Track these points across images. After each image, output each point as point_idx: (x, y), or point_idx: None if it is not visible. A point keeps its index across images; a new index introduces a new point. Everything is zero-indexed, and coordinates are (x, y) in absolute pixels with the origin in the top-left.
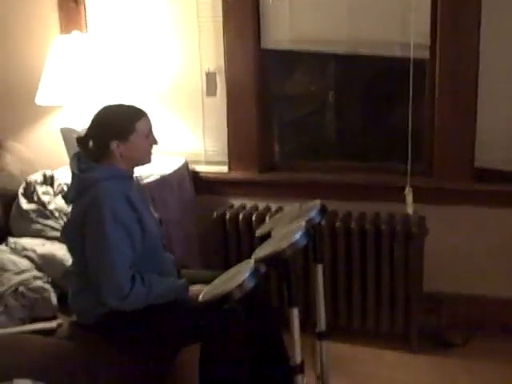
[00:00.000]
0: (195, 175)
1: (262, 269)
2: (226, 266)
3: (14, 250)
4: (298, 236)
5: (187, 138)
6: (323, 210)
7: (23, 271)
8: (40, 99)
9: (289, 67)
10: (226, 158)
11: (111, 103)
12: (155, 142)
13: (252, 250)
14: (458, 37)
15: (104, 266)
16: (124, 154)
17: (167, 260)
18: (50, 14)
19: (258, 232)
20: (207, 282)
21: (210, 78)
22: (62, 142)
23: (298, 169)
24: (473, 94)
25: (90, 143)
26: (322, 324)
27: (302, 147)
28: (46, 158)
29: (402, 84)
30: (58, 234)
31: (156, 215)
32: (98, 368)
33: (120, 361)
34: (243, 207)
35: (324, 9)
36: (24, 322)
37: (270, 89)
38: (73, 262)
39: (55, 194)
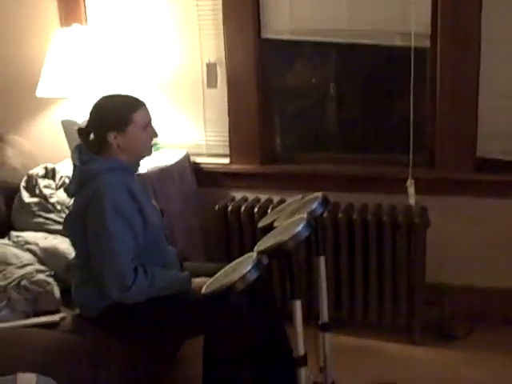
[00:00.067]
0: (196, 167)
1: (265, 261)
2: (228, 258)
3: (17, 244)
4: (300, 228)
5: (188, 129)
6: (325, 202)
7: (26, 265)
8: (41, 91)
9: (289, 59)
10: (227, 150)
11: (109, 93)
12: (155, 135)
13: (254, 242)
14: (458, 25)
15: (106, 258)
16: (122, 145)
17: (170, 252)
18: (50, 7)
19: (261, 224)
20: (210, 274)
21: (211, 68)
22: (63, 135)
23: (299, 161)
24: (474, 83)
25: (91, 135)
26: (324, 316)
27: (304, 139)
28: (48, 151)
29: (403, 74)
30: (60, 227)
31: (158, 207)
32: (101, 361)
33: (123, 353)
34: (245, 199)
35: None
36: (27, 316)
37: (271, 81)
38: (76, 254)
39: (57, 188)
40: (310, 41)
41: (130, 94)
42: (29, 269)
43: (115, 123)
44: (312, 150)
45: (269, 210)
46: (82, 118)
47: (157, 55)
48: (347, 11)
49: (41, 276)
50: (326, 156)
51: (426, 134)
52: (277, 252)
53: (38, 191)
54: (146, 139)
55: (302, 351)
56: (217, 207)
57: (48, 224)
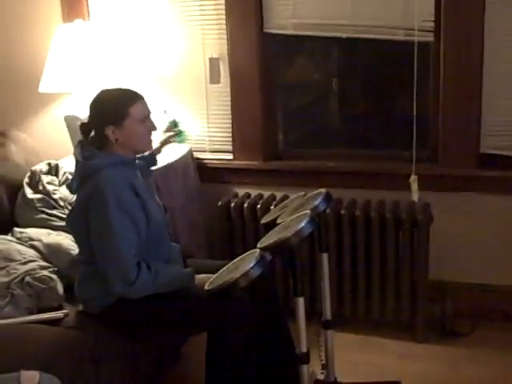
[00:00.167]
0: (199, 163)
1: (268, 257)
2: (231, 254)
3: (20, 240)
4: (303, 224)
5: (191, 125)
6: (328, 198)
7: (29, 261)
8: (44, 87)
9: (292, 54)
10: (230, 146)
11: (107, 87)
12: (153, 128)
13: (257, 238)
14: (462, 19)
15: (109, 253)
16: (120, 139)
17: (173, 249)
18: (52, 3)
19: (264, 220)
20: (213, 271)
21: (214, 64)
22: (67, 131)
23: (302, 157)
24: (478, 78)
25: (93, 131)
26: (327, 313)
27: (307, 135)
28: (51, 147)
29: (406, 70)
30: (63, 223)
31: (161, 203)
32: (103, 358)
33: (125, 350)
34: (248, 195)
35: None
36: (30, 312)
37: (274, 76)
38: (79, 251)
39: (60, 184)
40: (313, 36)
41: (128, 87)
42: (32, 265)
43: (112, 117)
44: (315, 146)
45: (272, 207)
46: (85, 113)
47: (159, 51)
48: (350, 6)
49: (44, 272)
50: (328, 152)
51: (429, 130)
52: (280, 248)
53: (41, 187)
54: (145, 133)
55: (304, 348)
56: (220, 203)
57: (51, 220)
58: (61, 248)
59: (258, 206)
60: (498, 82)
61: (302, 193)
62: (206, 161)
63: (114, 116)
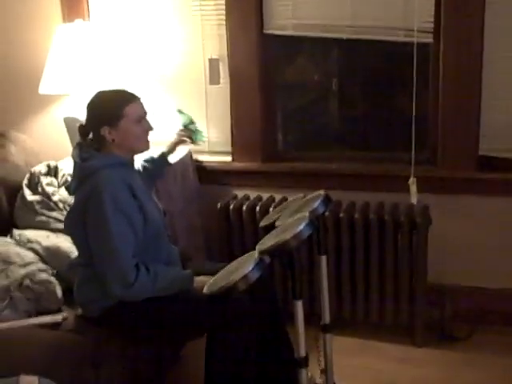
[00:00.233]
0: (199, 165)
1: (267, 260)
2: (230, 256)
3: (19, 242)
4: (301, 227)
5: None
6: (327, 201)
7: (28, 264)
8: (43, 88)
9: (292, 55)
10: (229, 148)
11: (104, 89)
12: (150, 128)
13: (256, 240)
14: (461, 20)
15: (107, 254)
16: (117, 140)
17: (172, 251)
18: (52, 3)
19: (262, 223)
20: (212, 273)
21: (213, 65)
22: (66, 132)
23: (301, 159)
24: (477, 80)
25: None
26: (326, 317)
27: (306, 136)
28: (51, 148)
29: (405, 72)
30: (62, 225)
31: (160, 206)
32: (103, 361)
33: (125, 353)
34: (247, 198)
35: None
36: (29, 315)
37: (274, 77)
38: (78, 253)
39: (59, 186)
40: (313, 36)
41: (124, 88)
42: (31, 268)
43: (108, 118)
44: (314, 148)
45: (271, 209)
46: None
47: (159, 51)
48: (350, 7)
49: (43, 275)
50: (328, 154)
51: (428, 132)
52: (279, 251)
53: (40, 189)
54: (141, 133)
55: (303, 352)
56: (219, 205)
57: (50, 222)
58: (60, 250)
59: (257, 208)
60: (498, 83)
61: (301, 195)
62: (205, 163)
63: (110, 116)
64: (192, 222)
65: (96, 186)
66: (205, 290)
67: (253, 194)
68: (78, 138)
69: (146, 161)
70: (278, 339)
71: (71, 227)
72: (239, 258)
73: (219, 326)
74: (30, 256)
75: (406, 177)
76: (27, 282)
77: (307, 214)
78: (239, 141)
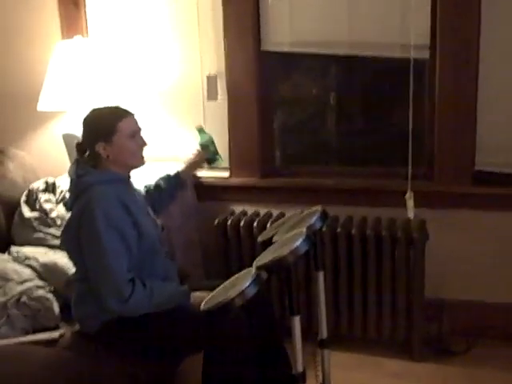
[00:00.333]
0: (196, 181)
1: (264, 276)
2: (228, 272)
3: (17, 259)
4: (298, 242)
5: (188, 143)
6: (324, 216)
7: (26, 280)
8: (42, 105)
9: (289, 71)
10: (227, 164)
11: (100, 105)
12: (144, 144)
13: (253, 256)
14: (457, 37)
15: (101, 270)
16: (111, 156)
17: (170, 267)
18: (51, 19)
19: (260, 238)
20: (210, 289)
21: (211, 81)
22: (65, 149)
23: (299, 174)
24: (473, 96)
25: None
26: (323, 332)
27: (303, 152)
28: (49, 165)
29: (403, 86)
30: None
31: (159, 221)
32: (99, 378)
33: (123, 369)
34: (244, 213)
35: (324, 11)
36: (26, 332)
37: (271, 94)
38: (75, 269)
39: (57, 202)
40: (310, 53)
41: (120, 104)
42: (28, 285)
43: (102, 134)
44: (311, 164)
45: (268, 224)
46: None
47: (157, 68)
48: (347, 23)
49: (40, 292)
50: (325, 169)
51: (424, 147)
52: (276, 267)
53: (38, 206)
54: (135, 149)
55: (300, 368)
56: (216, 221)
57: (48, 239)
58: (57, 267)
59: (255, 223)
60: (493, 99)
61: (299, 210)
62: (202, 178)
63: (104, 132)
64: (190, 238)
65: (89, 202)
66: (202, 307)
67: (250, 210)
68: (76, 155)
69: (162, 178)
70: (275, 355)
71: (67, 243)
72: (236, 275)
73: (216, 342)
74: (27, 273)
75: (402, 192)
76: (24, 298)
77: (304, 230)
78: (237, 156)
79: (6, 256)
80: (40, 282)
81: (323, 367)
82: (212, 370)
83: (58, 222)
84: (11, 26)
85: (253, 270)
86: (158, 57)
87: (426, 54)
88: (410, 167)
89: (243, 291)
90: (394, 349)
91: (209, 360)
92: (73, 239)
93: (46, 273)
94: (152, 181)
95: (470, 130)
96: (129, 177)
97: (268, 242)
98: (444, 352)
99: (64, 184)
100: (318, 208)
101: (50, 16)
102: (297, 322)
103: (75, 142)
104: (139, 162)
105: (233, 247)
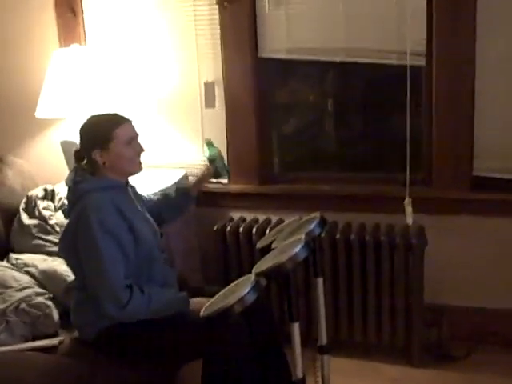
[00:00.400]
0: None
1: (263, 283)
2: (227, 279)
3: (16, 266)
4: (297, 249)
5: (186, 150)
6: (323, 223)
7: (25, 288)
8: (40, 112)
9: (287, 77)
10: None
11: (98, 112)
12: (141, 150)
13: (252, 262)
14: (453, 43)
15: (98, 276)
16: (108, 163)
17: (169, 273)
18: (49, 28)
19: (259, 245)
20: (210, 295)
21: (209, 88)
22: (63, 156)
23: (297, 180)
24: (470, 101)
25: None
26: (323, 338)
27: (302, 158)
28: (47, 172)
29: (400, 92)
30: None
31: (157, 227)
32: None
33: (121, 376)
34: (243, 220)
35: (321, 18)
36: (26, 339)
37: (269, 100)
38: (74, 276)
39: (56, 209)
40: (307, 60)
41: (117, 111)
42: (28, 292)
43: (98, 141)
44: (310, 170)
45: (267, 231)
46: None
47: (155, 75)
48: (344, 31)
49: (40, 299)
50: (323, 176)
51: (422, 153)
52: (275, 273)
53: (37, 213)
54: (132, 155)
55: (300, 374)
56: (215, 228)
57: (47, 246)
58: (56, 274)
59: (254, 230)
60: (490, 105)
61: (297, 217)
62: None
63: (100, 140)
64: (189, 244)
65: (84, 209)
66: (202, 313)
67: (249, 216)
68: (74, 162)
69: (170, 189)
70: (275, 361)
71: (64, 250)
72: (236, 281)
73: (216, 348)
74: (26, 280)
75: (401, 198)
76: (23, 305)
77: (303, 236)
78: (235, 163)
79: (5, 263)
80: (39, 289)
81: (323, 373)
82: (211, 376)
83: (57, 229)
84: (10, 35)
85: (252, 276)
86: (155, 64)
87: (422, 61)
88: (408, 173)
89: (243, 298)
90: (393, 354)
91: (208, 366)
92: (70, 246)
93: (46, 280)
94: (156, 188)
95: (468, 136)
96: (127, 183)
97: (267, 249)
98: (443, 357)
99: (63, 191)
100: (317, 214)
101: (48, 24)
102: (296, 328)
103: (73, 149)
104: (136, 168)
105: (232, 253)
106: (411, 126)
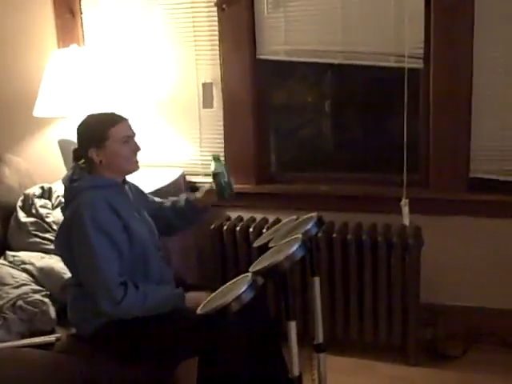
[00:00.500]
0: (192, 187)
1: (260, 281)
2: (223, 278)
3: (13, 264)
4: (294, 248)
5: (184, 149)
6: (320, 223)
7: (22, 285)
8: (38, 111)
9: (284, 78)
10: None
11: (93, 112)
12: (137, 149)
13: (249, 261)
14: (451, 46)
15: (92, 274)
16: (104, 161)
17: (166, 271)
18: (47, 28)
19: (256, 244)
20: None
21: (207, 89)
22: (60, 155)
23: (294, 180)
24: (467, 103)
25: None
26: (319, 336)
27: (299, 158)
28: (45, 170)
29: (398, 94)
30: None
31: (154, 226)
32: (95, 381)
33: (118, 373)
34: (240, 219)
35: (319, 20)
36: (23, 336)
37: (267, 101)
38: (70, 273)
39: (53, 207)
40: (305, 61)
41: (113, 110)
42: (25, 289)
43: (94, 140)
44: (307, 170)
45: (264, 230)
46: None
47: (153, 76)
48: (342, 33)
49: (37, 296)
50: (320, 176)
51: (419, 155)
52: (272, 272)
53: (34, 211)
54: (128, 154)
55: (297, 372)
56: (212, 227)
57: (44, 244)
58: (53, 271)
59: (251, 229)
60: (487, 107)
61: (294, 217)
62: (198, 184)
63: (96, 138)
64: (185, 244)
65: (78, 207)
66: (199, 311)
67: (246, 216)
68: (71, 160)
69: (181, 198)
70: (271, 359)
71: (59, 248)
72: (233, 280)
73: (213, 346)
74: (23, 277)
75: (398, 198)
76: (20, 303)
77: (300, 236)
78: (233, 163)
79: (2, 260)
80: (36, 286)
81: (319, 371)
82: (207, 373)
83: (54, 227)
84: (9, 35)
85: (249, 275)
86: (153, 64)
87: (420, 64)
88: (405, 174)
89: (240, 296)
90: (389, 353)
91: (204, 364)
92: (65, 244)
93: (43, 277)
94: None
95: (465, 138)
96: (124, 181)
97: (264, 248)
98: (439, 356)
99: (60, 189)
100: (314, 214)
101: (47, 25)
102: (293, 326)
103: (71, 147)
104: (133, 166)
105: (228, 252)
106: (409, 127)
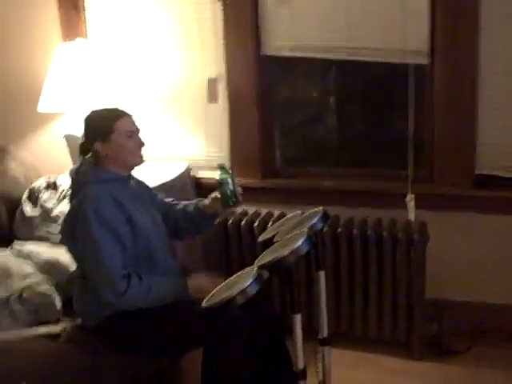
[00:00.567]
0: (197, 181)
1: (265, 275)
2: (228, 271)
3: (19, 255)
4: (300, 243)
5: (189, 143)
6: (325, 217)
7: (28, 276)
8: (42, 106)
9: (289, 73)
10: (227, 164)
11: (97, 107)
12: (141, 144)
13: (254, 256)
14: (456, 43)
15: (96, 268)
16: (109, 154)
17: (171, 263)
18: (52, 22)
19: (261, 238)
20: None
21: (212, 84)
22: (66, 148)
23: (299, 175)
24: (472, 99)
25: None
26: (324, 330)
27: (304, 153)
28: (49, 164)
29: (403, 89)
30: None
31: (157, 215)
32: (100, 372)
33: (122, 364)
34: (245, 213)
35: (323, 16)
36: (29, 327)
37: (271, 95)
38: (76, 265)
39: (59, 200)
40: (310, 57)
41: (118, 105)
42: (31, 280)
43: (100, 133)
44: (312, 165)
45: (269, 224)
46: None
47: (158, 70)
48: (346, 29)
49: (42, 287)
50: (326, 170)
51: (425, 150)
52: (277, 267)
53: (40, 204)
54: (134, 148)
55: (301, 365)
56: (217, 221)
57: (49, 236)
58: (59, 263)
59: (256, 223)
60: (493, 103)
61: (300, 211)
62: (203, 179)
63: (102, 131)
64: None
65: (82, 201)
66: (203, 304)
67: (251, 210)
68: (78, 155)
69: (192, 202)
70: (276, 352)
71: (65, 240)
72: (238, 273)
73: (217, 339)
74: (29, 268)
75: (403, 194)
76: (27, 293)
77: (306, 230)
78: (238, 157)
79: (8, 252)
80: (42, 278)
81: (324, 365)
82: (212, 366)
83: (59, 220)
84: (13, 30)
85: (254, 268)
86: (158, 59)
87: (424, 60)
88: (410, 169)
89: (245, 289)
90: (394, 348)
91: (209, 356)
92: (69, 237)
93: (49, 269)
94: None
95: (470, 133)
96: (129, 176)
97: (269, 242)
98: (444, 352)
99: (65, 183)
100: (319, 209)
101: (51, 18)
102: (298, 320)
103: (78, 142)
104: (138, 160)
105: (233, 247)
106: (414, 122)
